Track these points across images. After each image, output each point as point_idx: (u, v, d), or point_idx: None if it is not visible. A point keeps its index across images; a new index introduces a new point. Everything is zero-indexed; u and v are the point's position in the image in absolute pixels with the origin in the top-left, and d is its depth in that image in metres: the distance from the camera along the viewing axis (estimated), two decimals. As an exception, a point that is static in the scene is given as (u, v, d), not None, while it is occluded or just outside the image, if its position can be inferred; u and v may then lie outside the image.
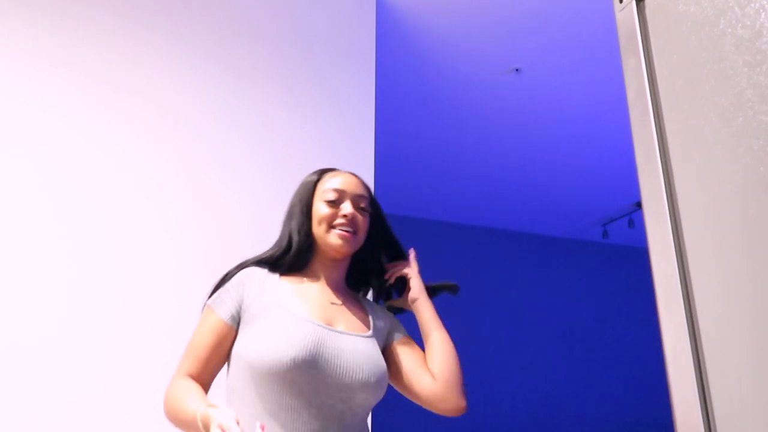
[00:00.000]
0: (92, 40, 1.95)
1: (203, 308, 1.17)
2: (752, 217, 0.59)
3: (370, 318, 1.25)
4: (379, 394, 1.14)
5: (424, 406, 1.17)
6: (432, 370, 1.17)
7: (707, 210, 0.64)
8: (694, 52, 0.67)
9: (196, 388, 1.07)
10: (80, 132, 1.85)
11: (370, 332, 1.20)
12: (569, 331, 5.37)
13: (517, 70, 3.09)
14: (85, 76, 1.91)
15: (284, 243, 1.24)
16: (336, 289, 1.25)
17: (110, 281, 1.74)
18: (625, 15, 0.77)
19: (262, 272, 1.20)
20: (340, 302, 1.22)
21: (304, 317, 1.12)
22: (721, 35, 0.64)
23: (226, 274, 1.21)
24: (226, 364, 1.16)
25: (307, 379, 1.04)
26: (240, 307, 1.14)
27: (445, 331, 1.22)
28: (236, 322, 1.13)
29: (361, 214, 1.25)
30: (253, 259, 1.24)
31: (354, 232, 1.22)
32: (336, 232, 1.21)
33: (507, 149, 3.97)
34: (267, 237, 1.90)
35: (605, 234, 5.32)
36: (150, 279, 1.78)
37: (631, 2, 0.76)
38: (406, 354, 1.21)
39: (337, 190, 1.24)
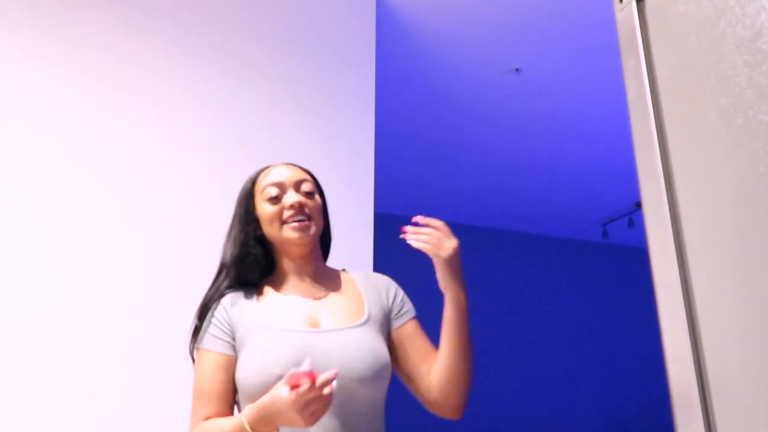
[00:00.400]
0: (92, 40, 1.95)
1: (192, 352, 1.12)
2: (752, 217, 0.59)
3: (365, 300, 1.15)
4: (382, 386, 1.07)
5: None
6: (432, 381, 1.10)
7: (707, 210, 0.64)
8: (694, 52, 0.67)
9: (221, 418, 1.03)
10: (80, 132, 1.85)
11: (365, 318, 1.11)
12: (569, 331, 5.37)
13: (517, 70, 3.09)
14: (85, 76, 1.91)
15: (229, 261, 1.17)
16: (318, 280, 1.17)
17: (109, 281, 1.73)
18: (625, 15, 0.77)
19: (238, 295, 1.14)
20: (325, 294, 1.14)
21: (284, 327, 1.06)
22: (721, 35, 0.64)
23: (201, 314, 1.14)
24: None
25: None
26: (233, 336, 1.09)
27: (462, 341, 1.08)
28: (234, 349, 1.09)
29: (309, 198, 1.16)
30: (214, 292, 1.16)
31: (308, 218, 1.14)
32: (289, 226, 1.13)
33: (507, 149, 3.97)
34: (267, 237, 1.89)
35: (605, 234, 5.32)
36: (149, 279, 1.78)
37: (631, 2, 0.76)
38: (406, 347, 1.13)
39: (275, 184, 1.16)
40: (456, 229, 1.18)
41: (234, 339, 1.08)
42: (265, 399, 0.93)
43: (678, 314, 0.66)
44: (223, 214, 1.93)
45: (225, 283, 1.16)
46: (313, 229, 1.15)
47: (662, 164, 0.69)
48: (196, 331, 1.13)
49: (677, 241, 0.67)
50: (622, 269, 5.73)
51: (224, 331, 1.09)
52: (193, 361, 1.12)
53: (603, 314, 5.54)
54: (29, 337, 1.62)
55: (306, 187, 1.18)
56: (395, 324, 1.15)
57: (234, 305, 1.12)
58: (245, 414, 0.95)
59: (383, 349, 1.08)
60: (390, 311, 1.16)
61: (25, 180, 1.74)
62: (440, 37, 2.84)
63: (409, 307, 1.20)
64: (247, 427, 0.93)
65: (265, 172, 1.21)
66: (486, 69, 3.08)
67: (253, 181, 1.21)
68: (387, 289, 1.20)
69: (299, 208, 1.13)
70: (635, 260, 5.74)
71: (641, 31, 0.74)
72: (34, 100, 1.82)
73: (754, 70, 0.60)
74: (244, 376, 1.03)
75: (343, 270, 1.25)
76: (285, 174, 1.18)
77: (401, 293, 1.21)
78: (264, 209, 1.15)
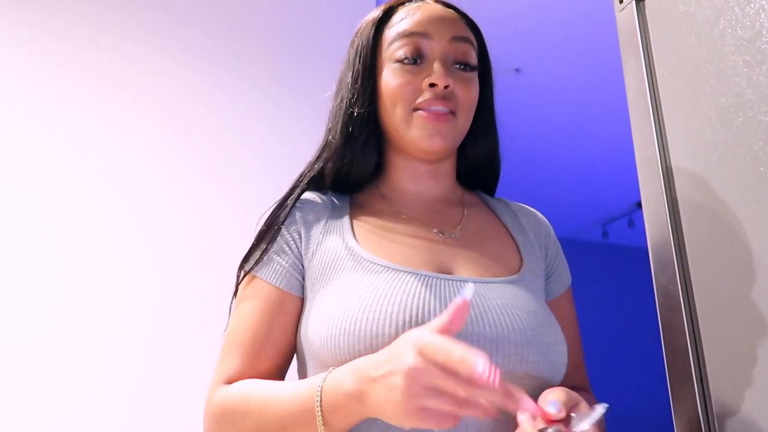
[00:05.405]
0: (92, 39, 1.95)
1: (238, 277, 0.76)
2: (752, 217, 0.59)
3: (520, 245, 0.76)
4: (560, 369, 0.67)
5: None
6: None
7: (707, 210, 0.64)
8: (694, 52, 0.67)
9: (261, 381, 0.66)
10: (80, 131, 1.85)
11: (522, 270, 0.72)
12: (569, 331, 5.37)
13: (517, 70, 3.08)
14: (85, 76, 1.91)
15: (323, 146, 0.81)
16: (446, 204, 0.78)
17: (110, 281, 1.73)
18: (625, 15, 0.77)
19: (321, 204, 0.77)
20: (459, 230, 0.74)
21: (396, 266, 0.67)
22: (721, 35, 0.64)
23: (267, 222, 0.77)
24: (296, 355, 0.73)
25: None
26: (302, 270, 0.72)
27: None
28: (303, 289, 0.72)
29: (462, 77, 0.74)
30: (290, 191, 0.80)
31: (451, 112, 0.72)
32: (421, 114, 0.71)
33: (506, 149, 3.97)
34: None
35: (605, 234, 5.32)
36: (150, 279, 1.78)
37: (631, 2, 0.76)
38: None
39: (415, 35, 0.73)
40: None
41: (303, 275, 0.72)
42: (359, 363, 0.56)
43: (678, 314, 0.66)
44: (222, 213, 1.94)
45: (314, 175, 0.79)
46: (455, 131, 0.73)
47: (662, 164, 0.70)
48: (253, 249, 0.76)
49: (677, 241, 0.67)
50: (622, 269, 5.73)
51: (291, 256, 0.73)
52: (235, 292, 0.75)
53: (603, 314, 5.54)
54: (27, 338, 1.62)
55: (464, 54, 0.75)
56: (550, 292, 0.78)
57: (315, 219, 0.75)
58: (319, 385, 0.57)
59: (556, 322, 0.69)
60: (546, 269, 0.78)
61: (25, 180, 1.74)
62: (440, 37, 2.84)
63: (565, 268, 0.82)
64: (318, 409, 0.56)
65: (407, 7, 0.77)
66: (486, 69, 3.08)
67: (378, 22, 0.78)
68: (547, 234, 0.82)
69: (444, 93, 0.72)
70: (635, 260, 5.74)
71: (641, 31, 0.74)
72: (34, 99, 1.82)
73: (754, 70, 0.60)
74: (322, 333, 0.64)
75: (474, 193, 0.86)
76: (437, 19, 0.75)
77: (558, 244, 0.82)
78: (389, 76, 0.74)
